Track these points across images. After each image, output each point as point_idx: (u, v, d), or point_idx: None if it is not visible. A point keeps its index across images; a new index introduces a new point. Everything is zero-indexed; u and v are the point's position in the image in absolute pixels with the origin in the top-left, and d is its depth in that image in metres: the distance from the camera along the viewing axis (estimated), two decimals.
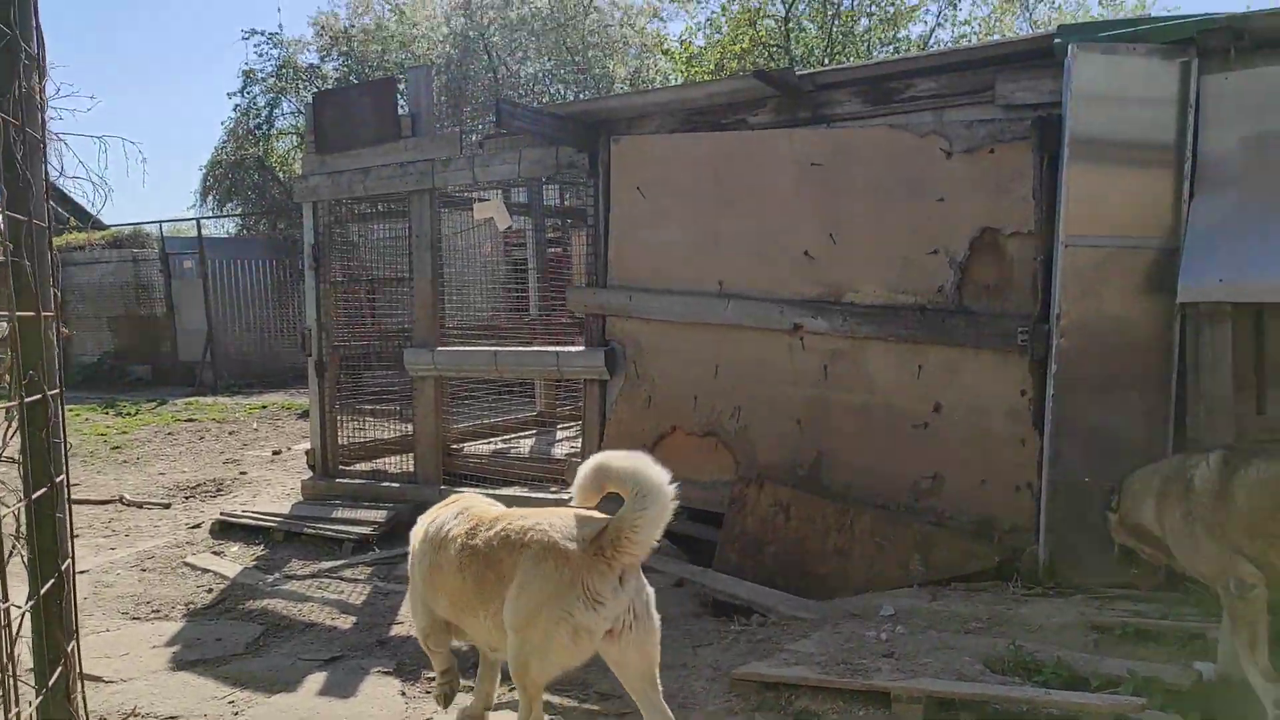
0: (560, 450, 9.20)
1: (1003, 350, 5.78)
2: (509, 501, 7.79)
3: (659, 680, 3.71)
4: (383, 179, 8.22)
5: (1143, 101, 5.24)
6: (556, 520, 3.65)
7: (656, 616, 3.64)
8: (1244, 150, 5.21)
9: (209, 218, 24.59)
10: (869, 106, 6.32)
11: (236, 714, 4.52)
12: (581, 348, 7.31)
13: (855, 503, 6.12)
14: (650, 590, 3.64)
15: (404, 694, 4.63)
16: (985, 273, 5.91)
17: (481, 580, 3.71)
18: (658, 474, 3.49)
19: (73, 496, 8.75)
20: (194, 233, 20.98)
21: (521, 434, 10.23)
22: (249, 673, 4.98)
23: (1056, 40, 5.46)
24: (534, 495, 7.86)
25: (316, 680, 4.84)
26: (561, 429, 10.22)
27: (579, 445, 7.72)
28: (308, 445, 9.17)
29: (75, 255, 20.53)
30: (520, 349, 7.85)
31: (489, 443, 9.79)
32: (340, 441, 8.90)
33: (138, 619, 5.95)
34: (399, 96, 8.41)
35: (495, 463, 8.67)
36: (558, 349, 7.49)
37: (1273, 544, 3.80)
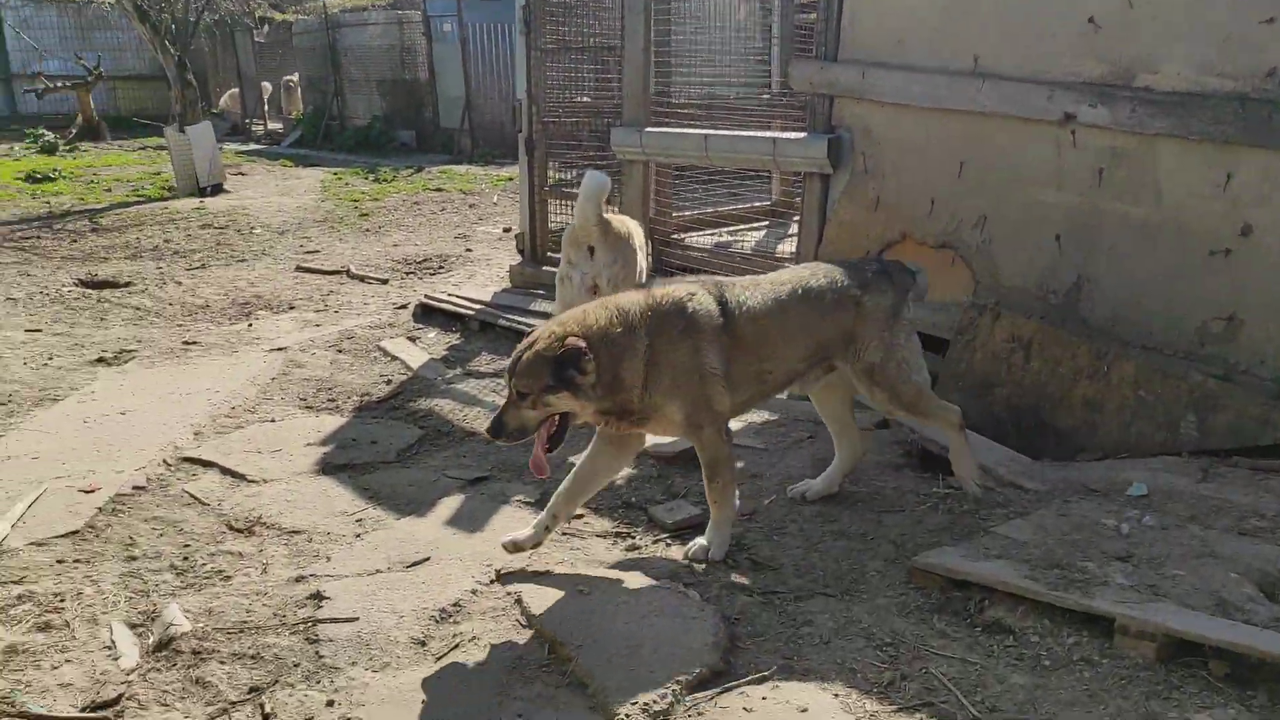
0: (788, 247, 8.24)
1: None
2: None
3: None
4: None
5: None
6: None
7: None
8: None
9: None
10: None
11: (358, 535, 4.17)
12: (802, 134, 6.22)
13: (1118, 343, 4.90)
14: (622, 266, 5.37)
15: None
16: None
17: None
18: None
19: (304, 265, 8.79)
20: None
21: (751, 226, 9.29)
22: (389, 486, 4.62)
23: None
24: None
25: (450, 505, 4.41)
26: (796, 222, 9.20)
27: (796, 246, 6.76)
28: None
29: (345, 17, 20.75)
30: (733, 133, 6.82)
31: (714, 234, 8.96)
32: (550, 226, 8.34)
33: (310, 409, 5.75)
34: None
35: (714, 256, 7.89)
36: (774, 135, 6.44)
37: (770, 359, 3.95)
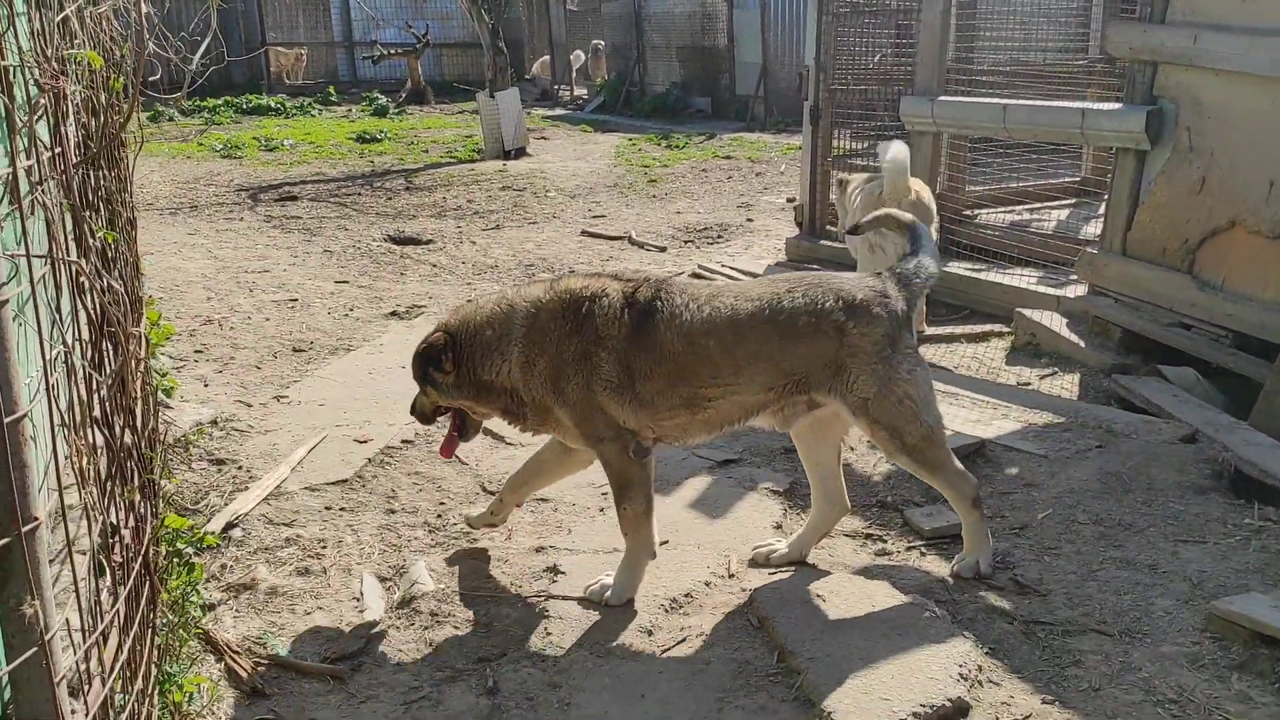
0: (1094, 229, 7.49)
1: None
2: (1007, 292, 6.58)
3: None
4: None
5: None
6: None
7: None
8: None
9: None
10: None
11: (601, 510, 4.12)
12: (1116, 105, 5.57)
13: None
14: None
15: (779, 526, 3.91)
16: None
17: None
18: None
19: (589, 230, 8.95)
20: None
21: (1056, 204, 8.53)
22: None
23: None
24: (1042, 288, 6.48)
25: (695, 486, 4.29)
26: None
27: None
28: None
29: None
30: (1034, 104, 6.23)
31: (1011, 211, 8.30)
32: (832, 199, 8.01)
33: None
34: None
35: (1009, 236, 7.30)
36: (1082, 106, 5.80)
37: (710, 385, 3.33)
